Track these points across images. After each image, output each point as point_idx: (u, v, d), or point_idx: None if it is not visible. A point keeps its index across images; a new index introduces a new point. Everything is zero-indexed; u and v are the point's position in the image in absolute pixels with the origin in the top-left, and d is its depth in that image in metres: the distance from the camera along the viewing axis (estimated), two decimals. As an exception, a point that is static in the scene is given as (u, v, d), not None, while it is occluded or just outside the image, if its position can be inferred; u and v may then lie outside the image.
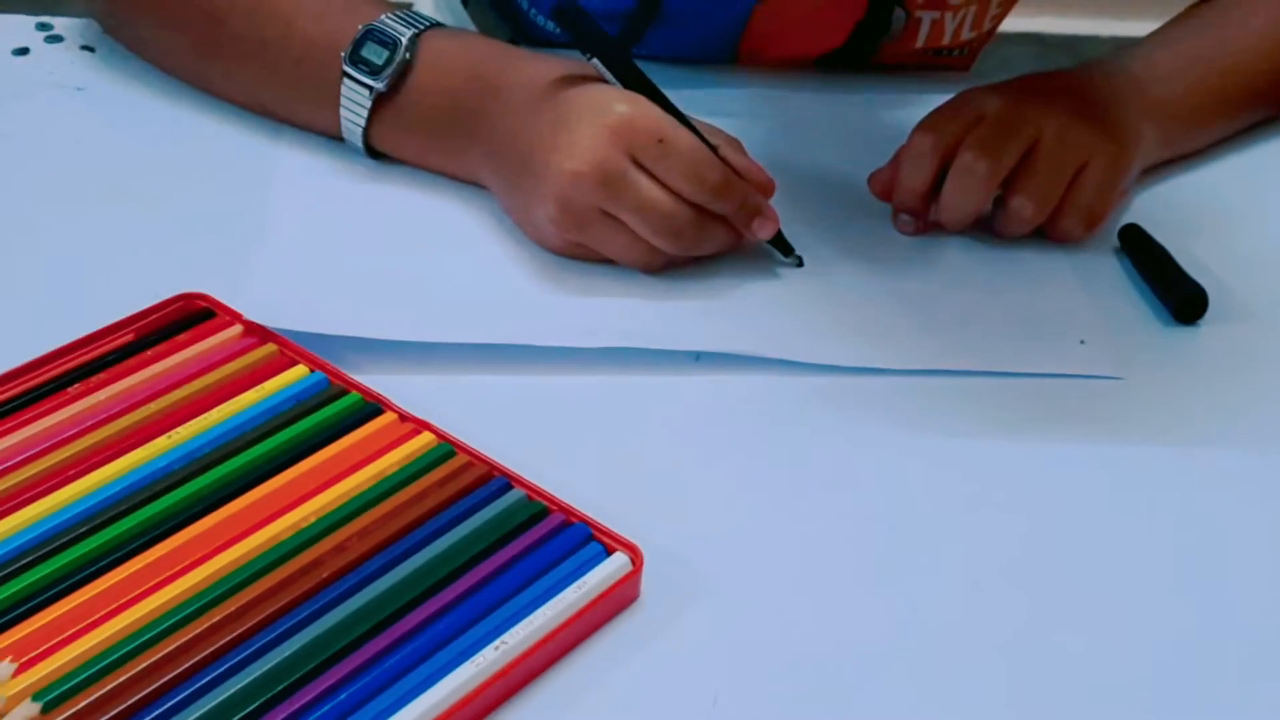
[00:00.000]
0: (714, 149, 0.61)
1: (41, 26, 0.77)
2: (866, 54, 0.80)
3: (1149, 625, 0.49)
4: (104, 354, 0.54)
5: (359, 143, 0.67)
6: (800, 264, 0.64)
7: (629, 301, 0.61)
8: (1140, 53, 0.73)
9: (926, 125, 0.66)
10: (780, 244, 0.64)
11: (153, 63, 0.73)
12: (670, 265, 0.62)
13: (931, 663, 0.46)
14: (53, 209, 0.64)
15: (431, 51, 0.65)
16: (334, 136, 0.68)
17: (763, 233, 0.62)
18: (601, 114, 0.59)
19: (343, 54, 0.65)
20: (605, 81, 0.61)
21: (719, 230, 0.62)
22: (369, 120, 0.66)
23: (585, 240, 0.61)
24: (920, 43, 0.80)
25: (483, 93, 0.64)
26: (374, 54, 0.64)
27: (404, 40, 0.64)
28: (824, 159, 0.73)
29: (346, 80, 0.65)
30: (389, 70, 0.64)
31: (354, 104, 0.65)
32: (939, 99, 0.68)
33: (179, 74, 0.72)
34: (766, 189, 0.63)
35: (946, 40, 0.80)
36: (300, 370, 0.54)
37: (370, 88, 0.64)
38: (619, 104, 0.60)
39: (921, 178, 0.66)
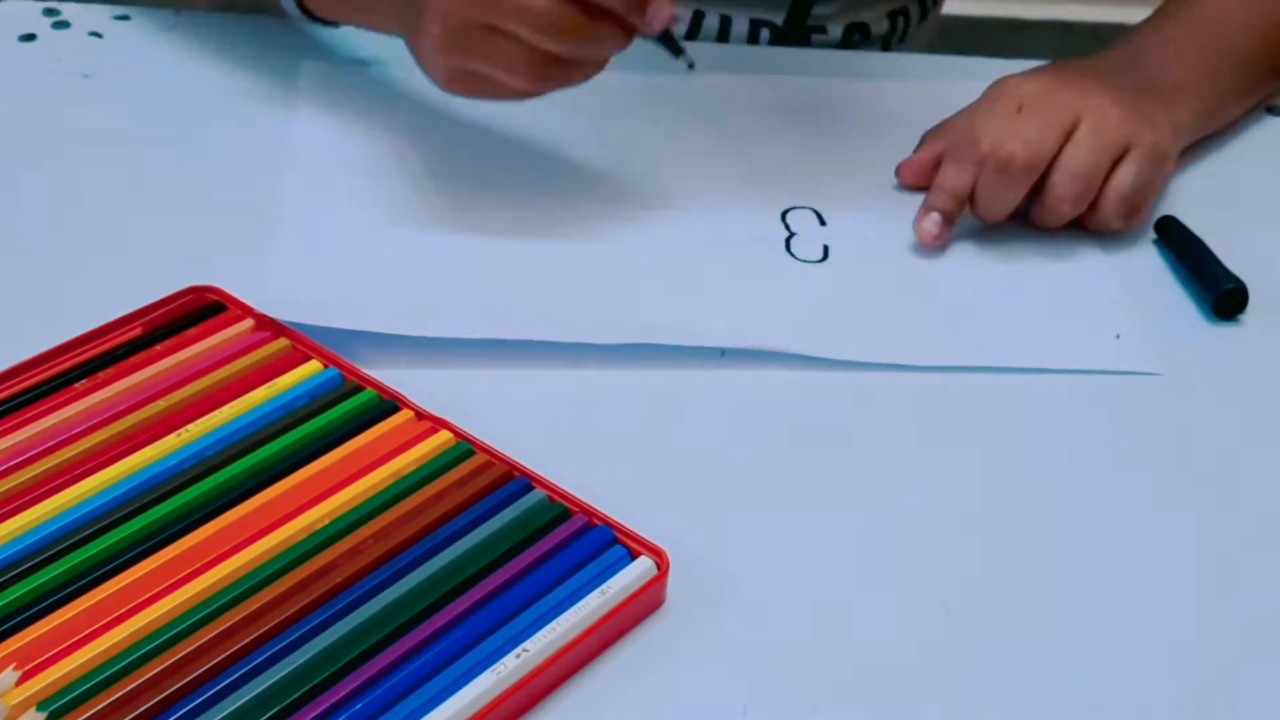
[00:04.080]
0: None
1: (48, 12, 0.76)
2: None
3: (1178, 639, 0.47)
4: (111, 349, 0.53)
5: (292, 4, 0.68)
6: (692, 66, 0.61)
7: (652, 296, 0.60)
8: (1149, 33, 0.71)
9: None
10: (669, 42, 0.61)
11: None
12: (560, 83, 0.59)
13: (966, 669, 0.45)
14: (58, 199, 0.63)
15: None
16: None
17: (656, 23, 0.58)
18: None
19: None
20: None
21: (606, 27, 0.58)
22: None
23: (469, 60, 0.58)
24: None
25: None
26: None
27: None
28: (848, 145, 0.71)
29: None
30: None
31: None
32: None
33: None
34: None
35: None
36: (314, 366, 0.53)
37: None
38: None
39: (966, 180, 0.64)
